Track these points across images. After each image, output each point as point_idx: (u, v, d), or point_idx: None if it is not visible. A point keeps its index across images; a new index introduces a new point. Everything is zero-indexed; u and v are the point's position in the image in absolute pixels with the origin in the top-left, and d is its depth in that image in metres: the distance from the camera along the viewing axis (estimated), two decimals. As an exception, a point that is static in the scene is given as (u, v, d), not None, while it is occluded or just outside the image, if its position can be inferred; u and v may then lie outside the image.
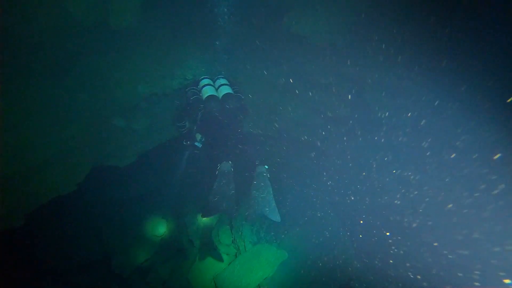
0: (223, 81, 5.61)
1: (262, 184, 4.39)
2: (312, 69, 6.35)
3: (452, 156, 4.77)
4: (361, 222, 6.03)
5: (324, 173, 6.54)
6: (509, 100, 4.05)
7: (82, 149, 5.42)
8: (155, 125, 6.37)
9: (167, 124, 6.45)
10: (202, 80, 5.54)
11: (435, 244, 4.94)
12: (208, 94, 5.11)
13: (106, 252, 6.64)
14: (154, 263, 6.81)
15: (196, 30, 6.53)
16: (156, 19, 6.23)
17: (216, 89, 5.40)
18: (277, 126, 6.66)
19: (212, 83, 5.56)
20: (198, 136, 5.19)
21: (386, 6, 5.45)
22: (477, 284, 4.20)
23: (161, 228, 7.14)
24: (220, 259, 6.64)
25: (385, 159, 5.68)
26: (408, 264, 5.18)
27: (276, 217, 4.25)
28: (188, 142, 5.29)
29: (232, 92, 5.25)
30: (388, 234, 5.53)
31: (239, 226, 6.56)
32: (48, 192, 4.96)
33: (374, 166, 5.82)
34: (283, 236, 6.22)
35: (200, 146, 5.18)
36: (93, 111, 5.75)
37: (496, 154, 4.20)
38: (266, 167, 4.64)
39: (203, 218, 7.06)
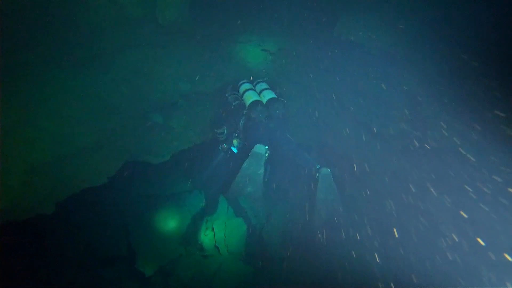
0: (264, 85, 5.36)
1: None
2: (363, 77, 5.88)
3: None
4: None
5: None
6: None
7: (117, 142, 5.34)
8: (192, 124, 6.20)
9: (205, 124, 6.27)
10: (243, 85, 5.31)
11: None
12: (252, 100, 4.84)
13: (132, 249, 6.53)
14: (177, 266, 6.62)
15: (243, 30, 6.32)
16: (203, 16, 6.09)
17: (259, 94, 5.14)
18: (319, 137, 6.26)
19: (253, 87, 5.32)
20: (235, 141, 5.07)
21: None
22: None
23: (187, 230, 6.96)
24: (243, 270, 6.31)
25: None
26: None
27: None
28: (225, 145, 5.19)
29: (276, 97, 4.97)
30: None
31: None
32: (80, 183, 4.90)
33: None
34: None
35: (236, 152, 5.07)
36: (133, 105, 5.68)
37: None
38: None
39: (231, 220, 6.85)
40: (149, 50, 5.78)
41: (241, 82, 5.47)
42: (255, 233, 6.97)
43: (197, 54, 6.15)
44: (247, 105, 4.98)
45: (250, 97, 4.95)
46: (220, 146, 5.31)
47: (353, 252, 5.05)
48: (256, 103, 4.86)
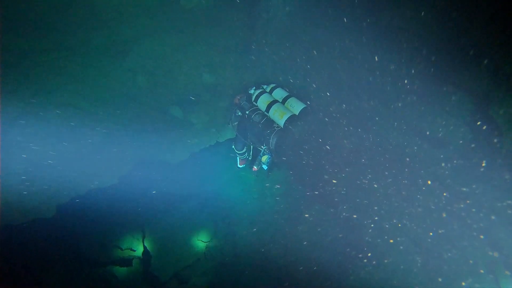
0: (281, 91, 4.63)
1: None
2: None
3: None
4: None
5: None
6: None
7: (131, 138, 4.87)
8: (215, 120, 5.62)
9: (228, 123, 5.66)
10: (261, 97, 4.57)
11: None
12: (287, 116, 4.32)
13: (147, 251, 6.17)
14: (194, 272, 6.17)
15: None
16: (230, 2, 5.42)
17: (283, 103, 4.50)
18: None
19: (271, 96, 4.60)
20: (265, 158, 4.71)
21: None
22: None
23: (205, 235, 6.47)
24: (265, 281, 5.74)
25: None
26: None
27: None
28: (255, 168, 4.86)
29: (306, 105, 4.47)
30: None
31: None
32: (88, 182, 4.48)
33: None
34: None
35: (266, 169, 4.82)
36: (150, 97, 5.19)
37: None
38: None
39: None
40: (170, 38, 5.23)
41: (255, 92, 4.72)
42: (279, 243, 6.33)
43: (223, 42, 5.51)
44: (280, 122, 4.39)
45: (281, 112, 4.36)
46: (251, 170, 4.94)
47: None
48: (292, 119, 4.32)
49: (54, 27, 4.63)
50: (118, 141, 4.69)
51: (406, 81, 4.21)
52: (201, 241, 6.36)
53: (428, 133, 4.21)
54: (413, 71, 4.11)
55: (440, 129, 4.15)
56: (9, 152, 4.08)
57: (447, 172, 4.06)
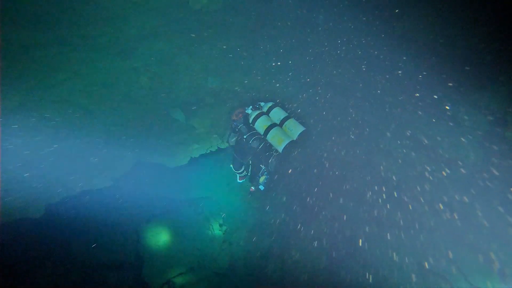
0: (279, 111, 4.55)
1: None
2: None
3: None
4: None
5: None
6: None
7: (129, 140, 4.70)
8: (217, 125, 5.44)
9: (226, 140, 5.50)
10: (258, 120, 4.48)
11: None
12: (285, 142, 4.25)
13: (140, 256, 5.99)
14: (187, 281, 5.95)
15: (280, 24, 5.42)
16: (238, 5, 5.27)
17: (280, 126, 4.47)
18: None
19: (269, 119, 4.53)
20: (262, 178, 4.72)
21: None
22: None
23: (202, 241, 6.27)
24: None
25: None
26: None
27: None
28: (253, 188, 4.91)
29: (305, 128, 4.42)
30: None
31: None
32: (83, 183, 4.32)
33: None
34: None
35: (263, 189, 4.82)
36: (152, 98, 5.03)
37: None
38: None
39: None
40: (176, 38, 5.08)
41: (252, 114, 4.59)
42: (276, 254, 6.11)
43: (231, 45, 5.36)
44: (279, 148, 4.33)
45: (279, 138, 4.28)
46: (249, 192, 5.02)
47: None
48: (290, 144, 4.28)
49: (57, 21, 4.49)
50: (116, 142, 4.53)
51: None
52: (196, 248, 6.14)
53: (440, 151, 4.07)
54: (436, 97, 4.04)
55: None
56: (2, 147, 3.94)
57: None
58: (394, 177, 4.53)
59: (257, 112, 4.54)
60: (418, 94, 4.46)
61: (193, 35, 5.14)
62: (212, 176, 5.99)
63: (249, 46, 5.37)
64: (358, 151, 5.02)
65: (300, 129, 4.40)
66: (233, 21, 5.11)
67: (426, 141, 4.31)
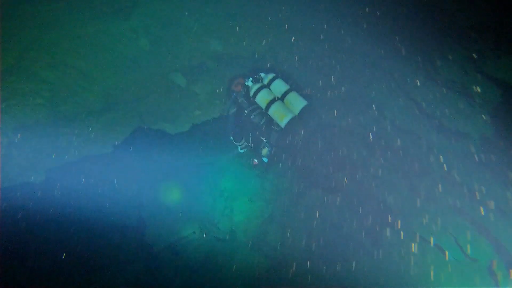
0: (282, 85, 4.30)
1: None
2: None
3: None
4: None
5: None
6: None
7: (129, 104, 4.57)
8: (219, 91, 5.27)
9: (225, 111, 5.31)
10: (259, 94, 4.35)
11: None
12: (287, 120, 4.20)
13: (142, 219, 6.07)
14: (188, 245, 6.08)
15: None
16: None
17: (282, 99, 4.35)
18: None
19: (270, 92, 4.40)
20: (265, 151, 4.75)
21: None
22: None
23: (204, 206, 6.34)
24: (259, 263, 5.64)
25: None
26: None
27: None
28: (256, 161, 5.03)
29: (307, 103, 4.31)
30: None
31: None
32: (83, 148, 4.25)
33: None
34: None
35: (267, 161, 4.94)
36: (152, 61, 4.83)
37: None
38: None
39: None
40: (176, -4, 4.78)
41: (253, 87, 4.38)
42: (276, 221, 6.17)
43: (236, 7, 5.05)
44: (281, 124, 4.28)
45: (281, 114, 4.21)
46: (252, 163, 5.19)
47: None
48: (293, 120, 4.24)
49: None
50: (115, 107, 4.41)
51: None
52: (198, 213, 6.21)
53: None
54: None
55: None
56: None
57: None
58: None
59: (258, 85, 4.41)
60: None
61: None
62: (215, 143, 5.92)
63: (257, 8, 5.07)
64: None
65: (303, 103, 4.30)
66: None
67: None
